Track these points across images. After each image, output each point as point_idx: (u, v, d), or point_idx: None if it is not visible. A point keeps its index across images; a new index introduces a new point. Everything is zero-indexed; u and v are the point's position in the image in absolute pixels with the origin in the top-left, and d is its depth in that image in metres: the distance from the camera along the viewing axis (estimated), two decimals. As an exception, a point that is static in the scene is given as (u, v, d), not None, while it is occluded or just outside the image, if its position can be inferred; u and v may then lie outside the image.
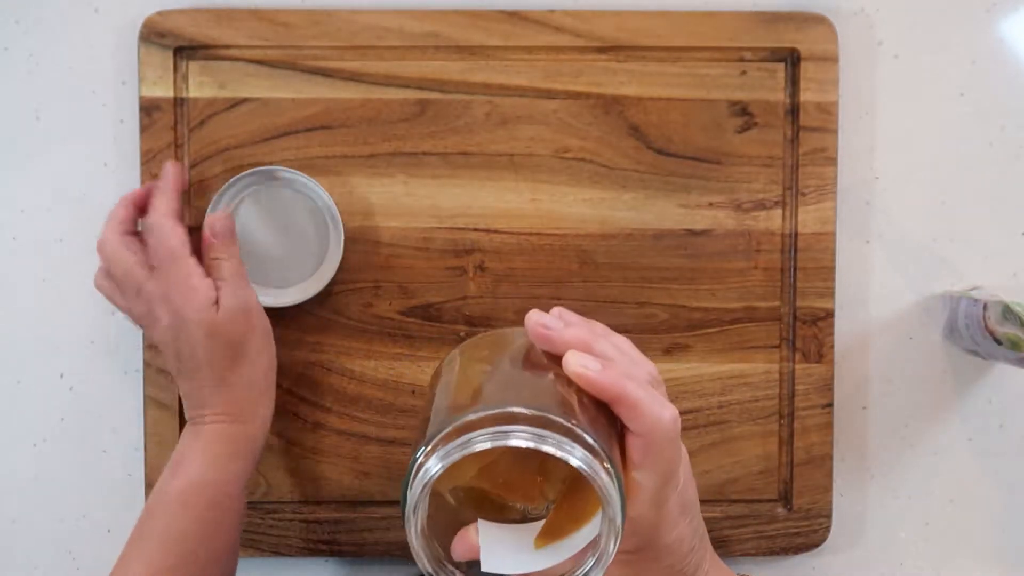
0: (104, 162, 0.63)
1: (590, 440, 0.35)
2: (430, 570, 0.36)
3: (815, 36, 0.61)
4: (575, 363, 0.38)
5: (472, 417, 0.35)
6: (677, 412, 0.39)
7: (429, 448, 0.35)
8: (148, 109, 0.61)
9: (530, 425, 0.34)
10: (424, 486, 0.34)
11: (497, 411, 0.35)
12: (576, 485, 0.37)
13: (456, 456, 0.34)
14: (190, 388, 0.54)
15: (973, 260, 0.63)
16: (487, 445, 0.34)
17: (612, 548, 0.36)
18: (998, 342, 0.56)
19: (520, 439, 0.34)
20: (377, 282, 0.61)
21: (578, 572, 0.36)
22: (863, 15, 0.63)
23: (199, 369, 0.53)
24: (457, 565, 0.37)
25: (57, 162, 0.63)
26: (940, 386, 0.64)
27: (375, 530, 0.62)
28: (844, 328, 0.63)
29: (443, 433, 0.35)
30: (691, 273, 0.61)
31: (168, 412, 0.61)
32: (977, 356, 0.62)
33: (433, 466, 0.34)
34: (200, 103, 0.61)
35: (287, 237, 0.61)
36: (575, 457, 0.34)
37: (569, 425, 0.35)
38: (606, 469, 0.35)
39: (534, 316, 0.41)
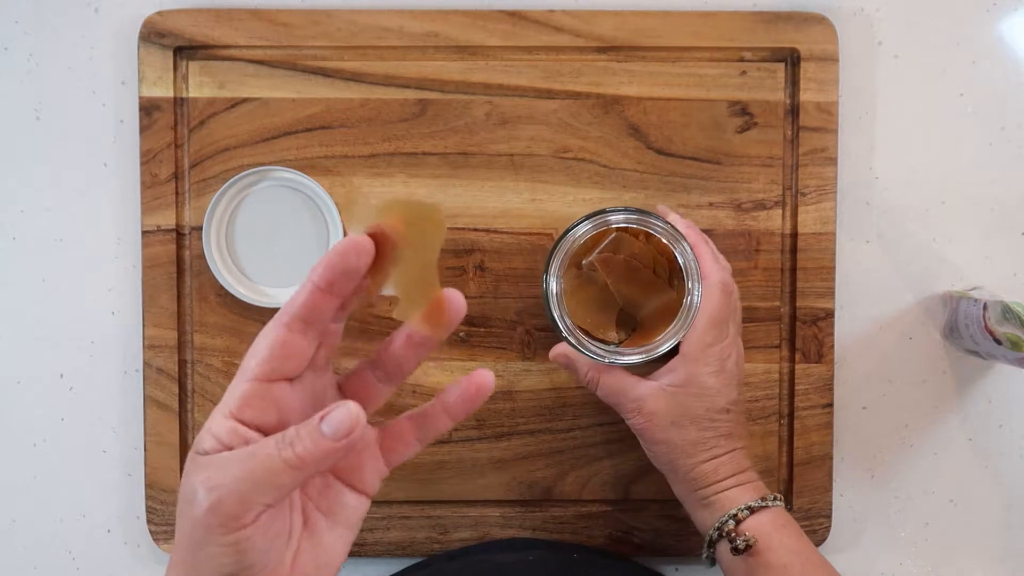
0: (104, 162, 0.63)
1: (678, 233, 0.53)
2: (572, 341, 0.53)
3: (815, 36, 0.61)
4: (680, 219, 0.56)
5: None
6: (728, 277, 0.54)
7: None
8: (148, 109, 0.61)
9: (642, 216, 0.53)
10: (566, 252, 0.53)
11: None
12: (640, 327, 0.56)
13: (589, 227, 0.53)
14: None
15: (973, 260, 0.63)
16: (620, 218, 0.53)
17: (691, 317, 0.52)
18: (998, 342, 0.56)
19: (653, 228, 0.53)
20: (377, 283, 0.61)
21: (671, 330, 0.53)
22: (863, 15, 0.63)
23: None
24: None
25: (57, 162, 0.63)
26: (940, 386, 0.64)
27: (375, 530, 0.62)
28: (844, 328, 0.63)
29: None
30: (691, 273, 0.61)
31: (168, 412, 0.61)
32: (977, 356, 0.62)
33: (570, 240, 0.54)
34: (200, 103, 0.61)
35: (287, 237, 0.61)
36: (678, 242, 0.53)
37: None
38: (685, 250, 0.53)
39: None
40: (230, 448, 0.37)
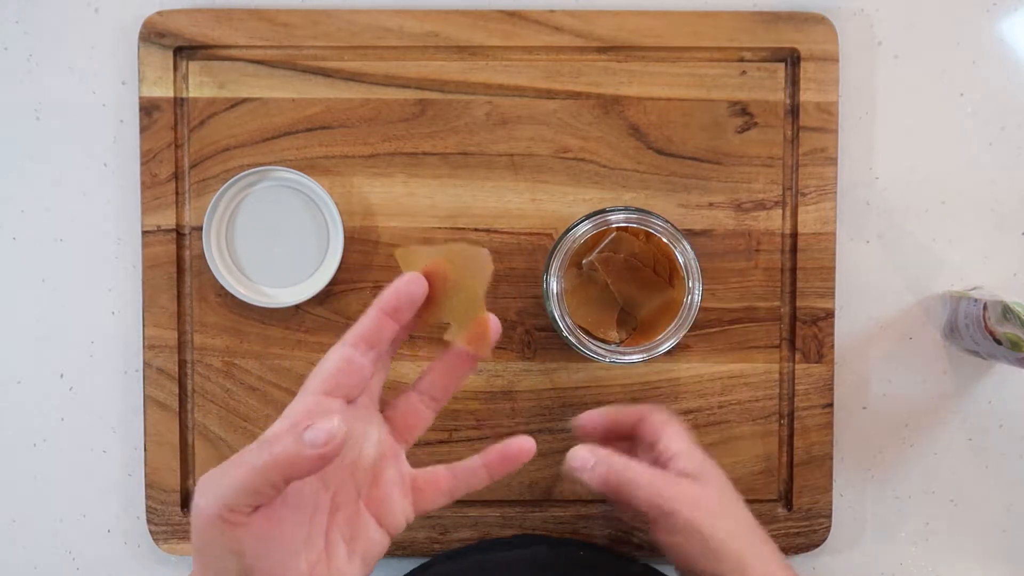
0: (104, 162, 0.63)
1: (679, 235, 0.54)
2: (573, 341, 0.54)
3: (815, 36, 0.61)
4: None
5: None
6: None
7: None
8: (148, 109, 0.61)
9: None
10: (567, 251, 0.54)
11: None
12: (641, 326, 0.56)
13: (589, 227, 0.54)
14: None
15: (973, 260, 0.63)
16: (620, 216, 0.54)
17: (691, 316, 0.54)
18: (998, 342, 0.56)
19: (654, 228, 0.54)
20: (377, 282, 0.61)
21: (671, 329, 0.54)
22: (863, 15, 0.63)
23: None
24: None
25: (57, 162, 0.63)
26: (940, 386, 0.64)
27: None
28: (844, 328, 0.63)
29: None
30: (691, 273, 0.61)
31: (168, 412, 0.61)
32: (977, 356, 0.62)
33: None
34: (200, 103, 0.61)
35: (287, 237, 0.61)
36: (677, 239, 0.54)
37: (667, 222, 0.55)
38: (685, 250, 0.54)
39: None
40: None
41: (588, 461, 0.50)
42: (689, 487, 0.50)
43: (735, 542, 0.49)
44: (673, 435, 0.52)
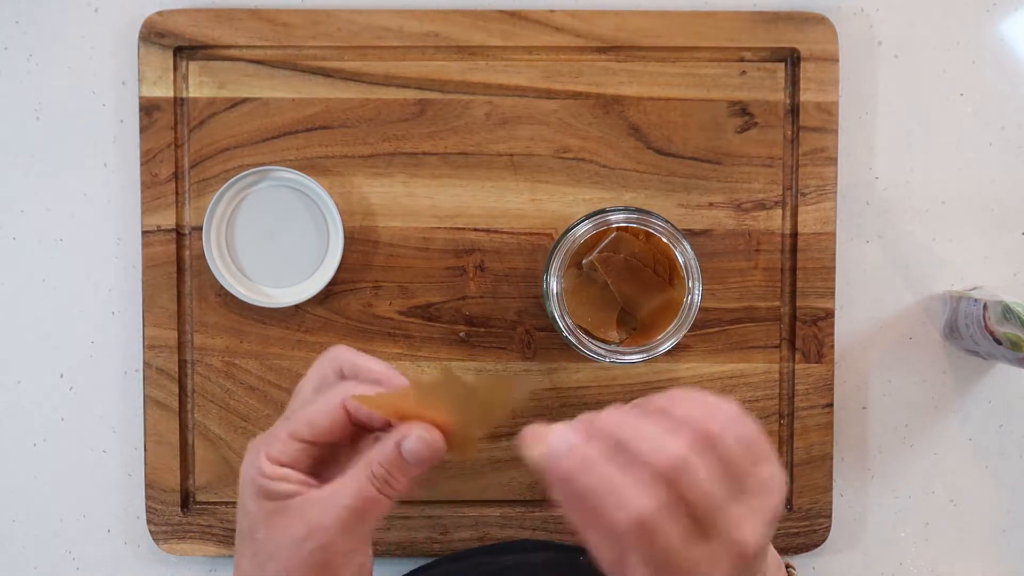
0: (104, 162, 0.63)
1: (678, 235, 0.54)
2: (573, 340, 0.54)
3: (815, 36, 0.61)
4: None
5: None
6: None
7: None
8: (148, 109, 0.61)
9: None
10: (567, 251, 0.54)
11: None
12: (641, 326, 0.56)
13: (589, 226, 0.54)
14: None
15: (973, 260, 0.63)
16: (620, 216, 0.54)
17: (691, 316, 0.53)
18: (998, 342, 0.56)
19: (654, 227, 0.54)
20: (377, 282, 0.61)
21: (672, 329, 0.54)
22: (863, 15, 0.63)
23: None
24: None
25: (57, 162, 0.63)
26: (940, 386, 0.64)
27: (375, 530, 0.62)
28: (844, 328, 0.63)
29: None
30: (691, 273, 0.61)
31: (168, 412, 0.61)
32: (977, 356, 0.62)
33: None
34: (200, 103, 0.61)
35: (287, 237, 0.61)
36: (679, 240, 0.54)
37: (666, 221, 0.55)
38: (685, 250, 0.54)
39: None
40: (294, 467, 0.39)
41: (564, 445, 0.36)
42: None
43: None
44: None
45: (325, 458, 0.41)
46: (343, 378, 0.42)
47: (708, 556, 0.33)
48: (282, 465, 0.39)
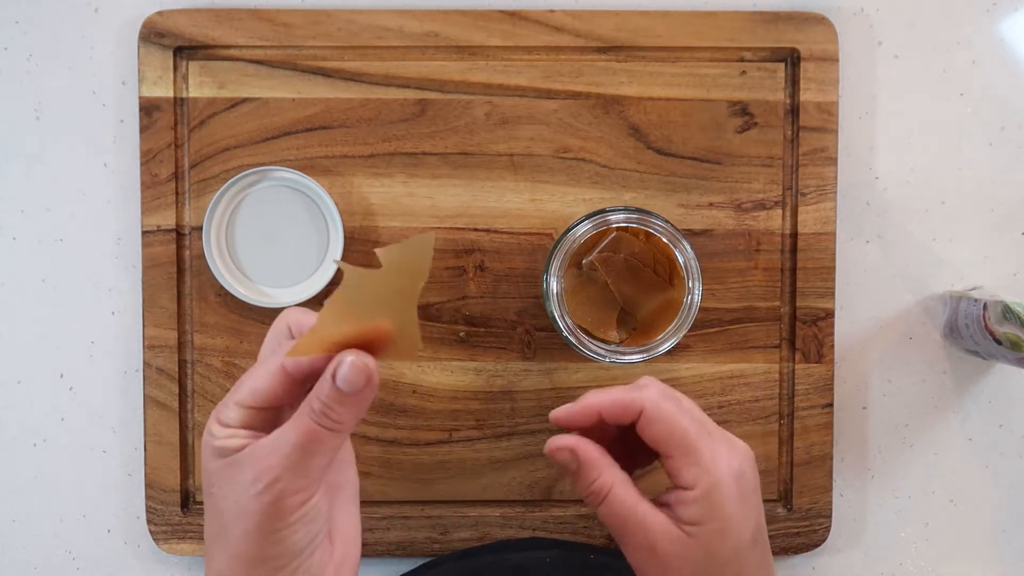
0: (104, 162, 0.63)
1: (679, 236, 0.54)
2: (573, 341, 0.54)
3: (815, 36, 0.61)
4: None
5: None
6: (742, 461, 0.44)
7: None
8: (148, 109, 0.61)
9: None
10: (567, 251, 0.54)
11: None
12: (641, 326, 0.56)
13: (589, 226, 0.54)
14: None
15: (973, 260, 0.63)
16: (621, 216, 0.54)
17: (691, 316, 0.54)
18: (998, 342, 0.56)
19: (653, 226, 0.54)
20: (377, 282, 0.61)
21: (671, 329, 0.54)
22: (863, 15, 0.63)
23: None
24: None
25: (57, 162, 0.63)
26: (940, 386, 0.64)
27: (375, 530, 0.62)
28: (844, 328, 0.63)
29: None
30: (691, 273, 0.61)
31: (168, 412, 0.61)
32: (977, 356, 0.62)
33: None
34: (200, 103, 0.61)
35: (287, 237, 0.61)
36: (678, 240, 0.54)
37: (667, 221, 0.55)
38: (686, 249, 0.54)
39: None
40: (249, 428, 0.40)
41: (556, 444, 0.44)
42: (672, 543, 0.42)
43: None
44: (685, 458, 0.43)
45: (277, 420, 0.41)
46: (291, 339, 0.42)
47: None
48: (230, 427, 0.40)
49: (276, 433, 0.39)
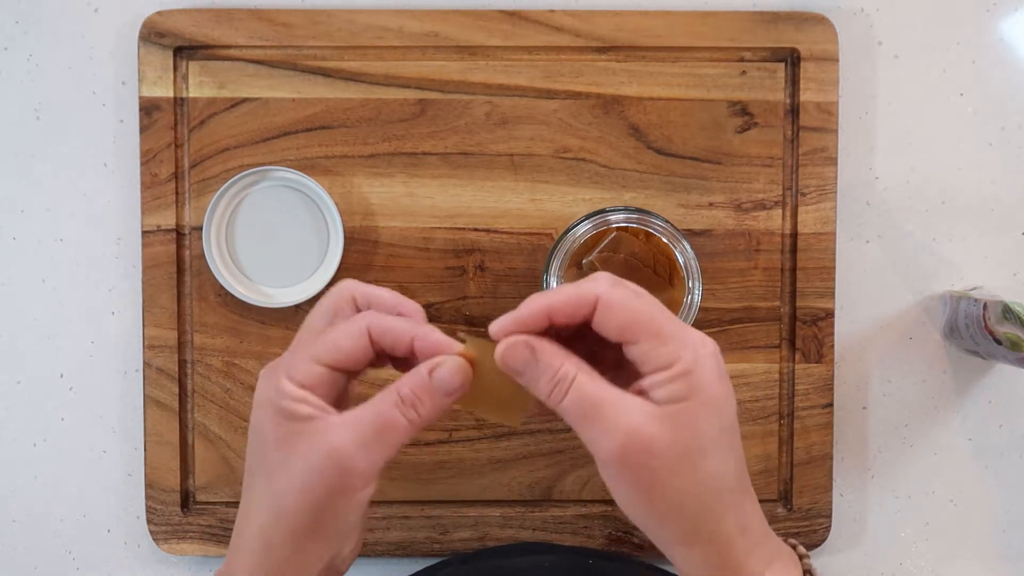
0: (104, 162, 0.63)
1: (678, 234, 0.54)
2: None
3: (815, 36, 0.61)
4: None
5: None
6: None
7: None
8: (148, 109, 0.61)
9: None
10: (567, 251, 0.54)
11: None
12: None
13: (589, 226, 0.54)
14: None
15: (973, 260, 0.63)
16: (621, 216, 0.54)
17: (691, 316, 0.54)
18: (998, 342, 0.56)
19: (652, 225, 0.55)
20: (377, 282, 0.61)
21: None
22: (863, 15, 0.63)
23: None
24: None
25: (57, 162, 0.63)
26: (940, 386, 0.64)
27: (375, 530, 0.62)
28: (844, 328, 0.63)
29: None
30: (691, 273, 0.61)
31: (168, 412, 0.61)
32: (977, 356, 0.62)
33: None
34: (200, 103, 0.61)
35: (287, 237, 0.61)
36: (676, 237, 0.54)
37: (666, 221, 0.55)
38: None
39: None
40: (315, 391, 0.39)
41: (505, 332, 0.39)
42: (652, 424, 0.37)
43: (693, 502, 0.38)
44: (656, 338, 0.38)
45: (339, 396, 0.41)
46: (357, 309, 0.42)
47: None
48: (303, 387, 0.39)
49: (351, 415, 0.39)
